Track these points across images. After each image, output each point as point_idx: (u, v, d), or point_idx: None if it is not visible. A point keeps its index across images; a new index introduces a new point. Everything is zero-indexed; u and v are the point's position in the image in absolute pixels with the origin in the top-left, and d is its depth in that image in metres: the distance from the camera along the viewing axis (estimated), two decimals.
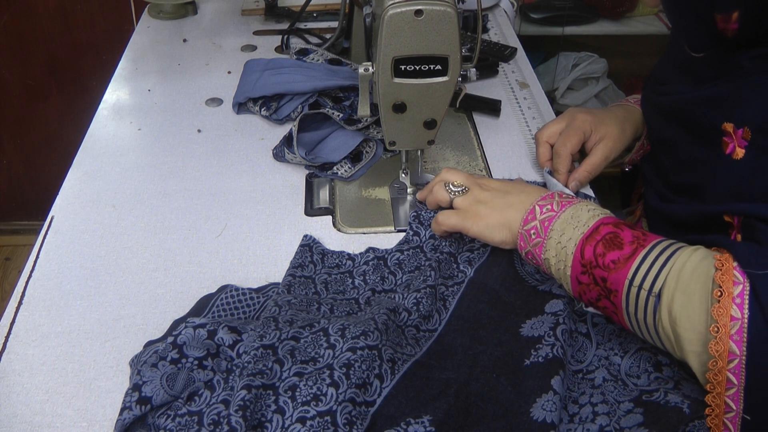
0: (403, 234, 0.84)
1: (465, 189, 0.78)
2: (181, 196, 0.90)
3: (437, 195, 0.80)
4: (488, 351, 0.68)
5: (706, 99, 0.73)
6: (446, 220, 0.77)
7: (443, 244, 0.80)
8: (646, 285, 0.60)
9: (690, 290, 0.58)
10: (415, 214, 0.83)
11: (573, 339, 0.68)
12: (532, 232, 0.70)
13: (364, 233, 0.85)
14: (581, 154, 0.90)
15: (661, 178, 0.84)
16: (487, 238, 0.74)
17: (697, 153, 0.76)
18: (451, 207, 0.79)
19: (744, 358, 0.54)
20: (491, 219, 0.74)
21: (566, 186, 0.87)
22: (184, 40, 1.28)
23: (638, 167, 0.95)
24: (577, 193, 0.89)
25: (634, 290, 0.61)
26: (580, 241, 0.65)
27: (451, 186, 0.79)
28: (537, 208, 0.71)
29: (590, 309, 0.71)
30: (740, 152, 0.69)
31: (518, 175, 0.93)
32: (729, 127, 0.70)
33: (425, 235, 0.82)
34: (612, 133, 0.88)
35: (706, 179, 0.74)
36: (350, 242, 0.84)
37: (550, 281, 0.74)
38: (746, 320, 0.55)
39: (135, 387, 0.61)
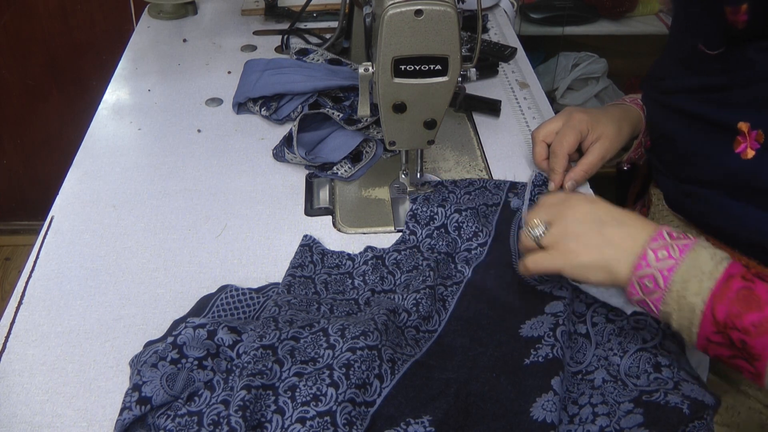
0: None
1: (547, 227, 0.69)
2: (181, 196, 0.90)
3: (524, 243, 0.71)
4: (488, 352, 0.68)
5: (720, 98, 0.73)
6: (536, 266, 0.68)
7: (440, 243, 0.81)
8: None
9: None
10: (411, 212, 0.83)
11: (572, 341, 0.68)
12: (646, 281, 0.62)
13: (364, 233, 0.85)
14: (578, 153, 0.90)
15: (667, 171, 0.84)
16: (581, 278, 0.66)
17: (702, 148, 0.76)
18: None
19: None
20: (586, 258, 0.65)
21: (562, 186, 0.87)
22: (184, 40, 1.28)
23: (635, 166, 0.95)
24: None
25: None
26: (710, 299, 0.59)
27: (530, 230, 0.69)
28: (651, 253, 0.62)
29: (589, 309, 0.71)
30: (750, 153, 0.69)
31: (513, 176, 0.93)
32: (744, 126, 0.70)
33: (421, 234, 0.82)
34: (609, 132, 0.87)
35: (708, 174, 0.74)
36: (350, 242, 0.84)
37: (549, 282, 0.74)
38: None
39: (135, 387, 0.61)
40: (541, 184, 0.88)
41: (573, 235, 0.66)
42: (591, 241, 0.65)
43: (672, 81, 0.83)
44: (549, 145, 0.90)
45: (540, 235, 0.68)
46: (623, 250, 0.63)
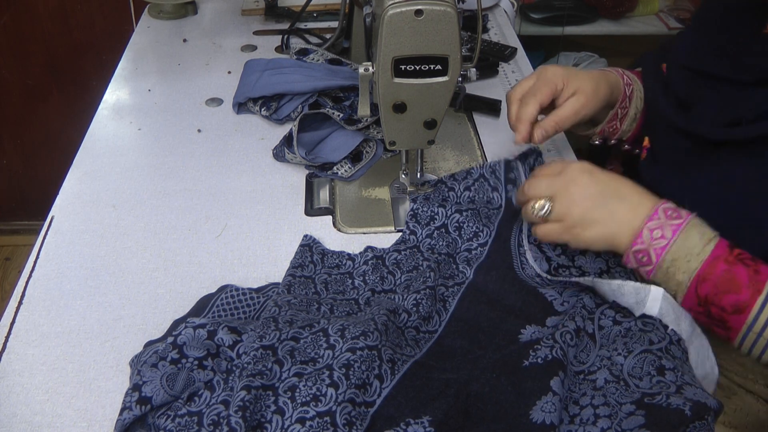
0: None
1: (549, 206, 0.72)
2: (181, 196, 0.90)
3: (528, 218, 0.75)
4: (487, 355, 0.68)
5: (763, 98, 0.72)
6: (545, 238, 0.74)
7: (440, 244, 0.80)
8: (766, 334, 0.64)
9: None
10: (411, 212, 0.83)
11: (579, 338, 0.68)
12: (641, 256, 0.69)
13: (364, 233, 0.85)
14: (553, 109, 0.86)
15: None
16: (586, 248, 0.73)
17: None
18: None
19: None
20: (591, 232, 0.70)
21: (531, 139, 0.83)
22: (184, 40, 1.28)
23: (607, 141, 0.93)
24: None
25: (752, 336, 0.65)
26: (696, 277, 0.66)
27: (535, 207, 0.73)
28: (646, 232, 0.68)
29: (598, 309, 0.71)
30: None
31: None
32: None
33: (422, 234, 0.82)
34: (585, 88, 0.83)
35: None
36: (350, 242, 0.84)
37: (551, 285, 0.74)
38: None
39: (135, 387, 0.61)
40: (531, 154, 0.88)
41: (578, 211, 0.71)
42: (595, 215, 0.70)
43: (706, 68, 0.80)
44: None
45: (545, 213, 0.72)
46: (625, 225, 0.69)
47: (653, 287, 0.68)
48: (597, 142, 0.93)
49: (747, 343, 0.65)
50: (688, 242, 0.67)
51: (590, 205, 0.70)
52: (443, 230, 0.81)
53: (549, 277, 0.74)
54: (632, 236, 0.68)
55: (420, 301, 0.72)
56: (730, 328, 0.65)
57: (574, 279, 0.73)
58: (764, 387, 0.79)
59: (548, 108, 0.85)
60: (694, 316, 0.68)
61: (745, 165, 0.73)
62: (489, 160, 0.92)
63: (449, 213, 0.82)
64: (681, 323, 0.67)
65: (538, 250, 0.78)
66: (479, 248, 0.79)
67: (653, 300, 0.68)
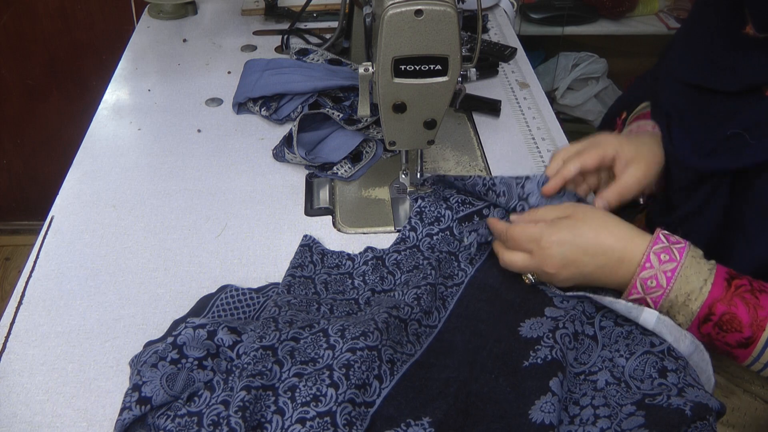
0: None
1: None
2: (181, 196, 0.90)
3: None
4: (488, 347, 0.68)
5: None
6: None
7: (440, 243, 0.80)
8: None
9: None
10: (417, 209, 0.83)
11: (578, 342, 0.68)
12: (649, 282, 0.67)
13: (364, 233, 0.85)
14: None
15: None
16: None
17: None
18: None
19: None
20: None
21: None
22: (184, 40, 1.28)
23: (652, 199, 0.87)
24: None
25: (758, 366, 0.66)
26: (696, 320, 0.66)
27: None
28: (639, 283, 0.67)
29: (599, 313, 0.71)
30: None
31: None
32: None
33: (422, 232, 0.81)
34: (645, 154, 0.78)
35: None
36: (350, 242, 0.83)
37: (549, 287, 0.74)
38: None
39: (135, 387, 0.61)
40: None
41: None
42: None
43: (699, 79, 0.76)
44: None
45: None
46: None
47: (646, 310, 0.67)
48: (641, 201, 0.85)
49: (757, 366, 0.67)
50: (687, 287, 0.66)
51: (569, 276, 0.71)
52: (447, 233, 0.81)
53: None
54: (626, 291, 0.69)
55: (420, 295, 0.72)
56: (737, 356, 0.66)
57: (569, 294, 0.72)
58: (761, 387, 0.79)
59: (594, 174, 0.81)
60: (701, 341, 0.68)
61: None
62: (493, 175, 0.90)
63: (455, 216, 0.82)
64: (680, 343, 0.66)
65: None
66: (482, 247, 0.79)
67: (644, 322, 0.67)
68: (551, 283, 0.73)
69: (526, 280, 0.74)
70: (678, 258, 0.67)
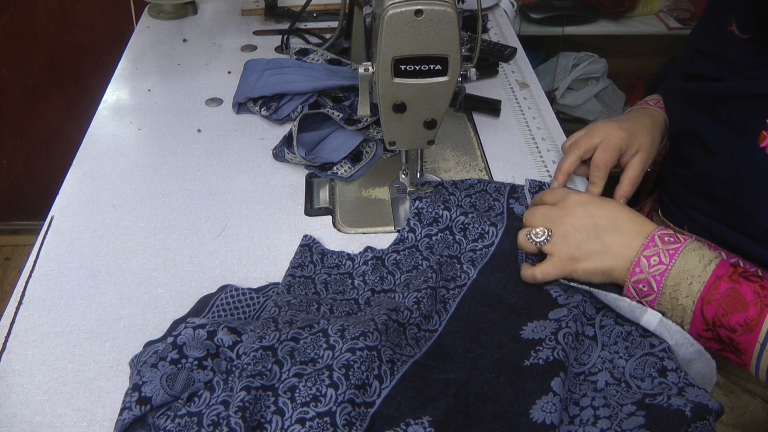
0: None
1: (548, 234, 0.74)
2: (181, 196, 0.90)
3: (523, 246, 0.76)
4: (487, 354, 0.68)
5: (752, 92, 0.73)
6: (545, 277, 0.73)
7: (439, 244, 0.80)
8: None
9: None
10: (416, 210, 0.83)
11: (579, 342, 0.68)
12: (641, 286, 0.68)
13: (364, 233, 0.85)
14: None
15: (678, 168, 0.85)
16: (584, 281, 0.72)
17: (725, 143, 0.76)
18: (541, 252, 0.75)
19: None
20: (588, 265, 0.71)
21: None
22: (184, 40, 1.28)
23: (656, 165, 0.95)
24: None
25: (766, 355, 0.62)
26: (699, 300, 0.65)
27: (532, 235, 0.74)
28: (643, 260, 0.68)
29: (599, 314, 0.71)
30: None
31: (513, 178, 0.93)
32: None
33: (421, 232, 0.81)
34: (645, 144, 0.88)
35: (728, 169, 0.74)
36: (350, 242, 0.83)
37: (556, 283, 0.74)
38: None
39: (135, 387, 0.61)
40: (536, 191, 0.88)
41: (574, 243, 0.72)
42: (591, 248, 0.71)
43: (694, 68, 0.83)
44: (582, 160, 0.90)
45: (543, 241, 0.74)
46: (621, 257, 0.69)
47: (649, 312, 0.67)
48: (650, 169, 0.94)
49: (763, 364, 0.63)
50: (688, 265, 0.66)
51: (585, 237, 0.71)
52: (447, 233, 0.81)
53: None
54: (629, 267, 0.68)
55: (421, 299, 0.72)
56: (743, 350, 0.64)
57: (573, 284, 0.72)
58: (761, 386, 0.79)
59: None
60: (704, 345, 0.66)
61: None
62: (494, 180, 0.93)
63: (454, 216, 0.82)
64: (682, 348, 0.66)
65: None
66: (484, 249, 0.79)
67: (646, 323, 0.67)
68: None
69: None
70: (682, 240, 0.69)
